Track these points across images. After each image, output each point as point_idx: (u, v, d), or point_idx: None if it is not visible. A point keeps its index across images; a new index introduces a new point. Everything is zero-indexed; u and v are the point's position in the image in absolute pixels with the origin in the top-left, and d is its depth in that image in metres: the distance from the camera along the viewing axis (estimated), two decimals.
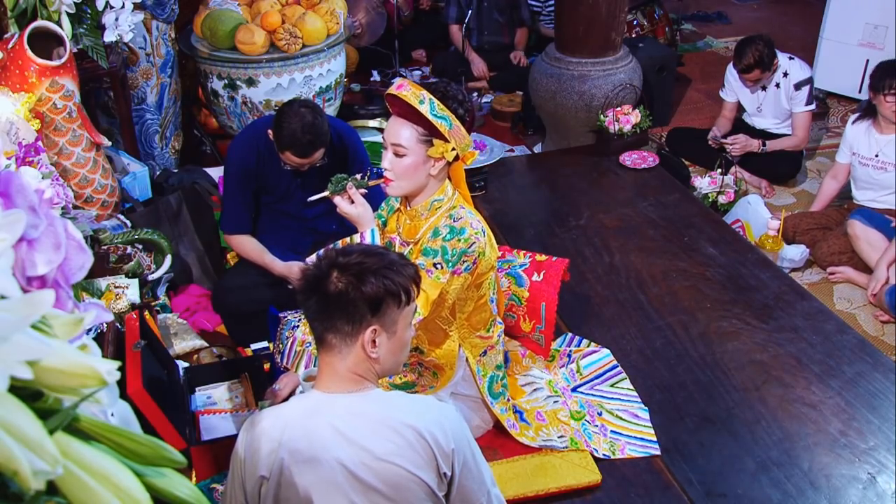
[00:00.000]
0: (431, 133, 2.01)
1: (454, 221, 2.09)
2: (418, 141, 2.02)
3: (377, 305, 1.49)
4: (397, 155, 2.04)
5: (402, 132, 2.02)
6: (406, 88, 2.00)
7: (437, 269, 2.05)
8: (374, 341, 1.50)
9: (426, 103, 1.97)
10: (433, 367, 2.31)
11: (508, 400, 2.38)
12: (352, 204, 2.15)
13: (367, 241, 2.12)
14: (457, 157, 2.07)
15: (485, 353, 2.31)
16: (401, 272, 1.52)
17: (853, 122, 3.68)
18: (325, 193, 2.19)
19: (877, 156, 3.56)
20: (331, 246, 1.62)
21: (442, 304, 2.14)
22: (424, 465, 1.47)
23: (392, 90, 2.02)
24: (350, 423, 1.46)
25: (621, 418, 2.47)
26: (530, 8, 5.42)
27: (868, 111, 3.62)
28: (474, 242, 2.06)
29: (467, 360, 2.29)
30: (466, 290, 2.17)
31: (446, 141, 2.01)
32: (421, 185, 2.09)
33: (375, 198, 2.87)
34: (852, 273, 3.43)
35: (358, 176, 2.21)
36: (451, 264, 2.05)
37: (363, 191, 2.18)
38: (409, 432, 1.46)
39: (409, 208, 2.17)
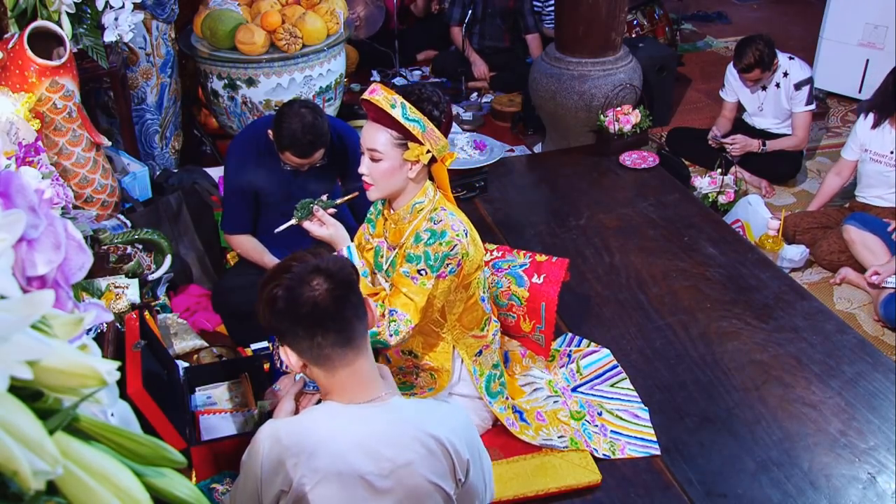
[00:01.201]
0: (406, 137, 2.01)
1: (434, 224, 2.09)
2: (393, 145, 2.02)
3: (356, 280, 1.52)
4: (373, 160, 2.05)
5: (377, 137, 2.03)
6: (378, 93, 2.00)
7: (421, 275, 2.06)
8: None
9: (398, 107, 1.98)
10: (430, 370, 2.31)
11: (507, 399, 2.38)
12: (322, 226, 2.17)
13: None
14: (434, 160, 2.08)
15: (480, 352, 2.31)
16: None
17: (872, 127, 3.61)
18: (293, 222, 2.21)
19: (892, 152, 3.54)
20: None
21: (430, 308, 2.14)
22: (445, 473, 1.47)
23: (365, 95, 2.02)
24: (371, 434, 1.44)
25: (621, 418, 2.47)
26: (533, 8, 5.42)
27: (884, 109, 3.57)
28: (456, 244, 2.06)
29: (462, 360, 2.30)
30: (454, 291, 2.17)
31: (421, 144, 2.01)
32: (399, 188, 2.10)
33: (362, 206, 2.88)
34: (853, 275, 3.42)
35: (324, 197, 2.23)
36: (434, 269, 2.06)
37: (332, 210, 2.20)
38: (430, 441, 1.45)
39: (392, 212, 2.17)
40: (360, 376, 1.48)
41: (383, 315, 2.08)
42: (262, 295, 1.48)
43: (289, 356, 1.49)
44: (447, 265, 2.07)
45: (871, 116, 3.62)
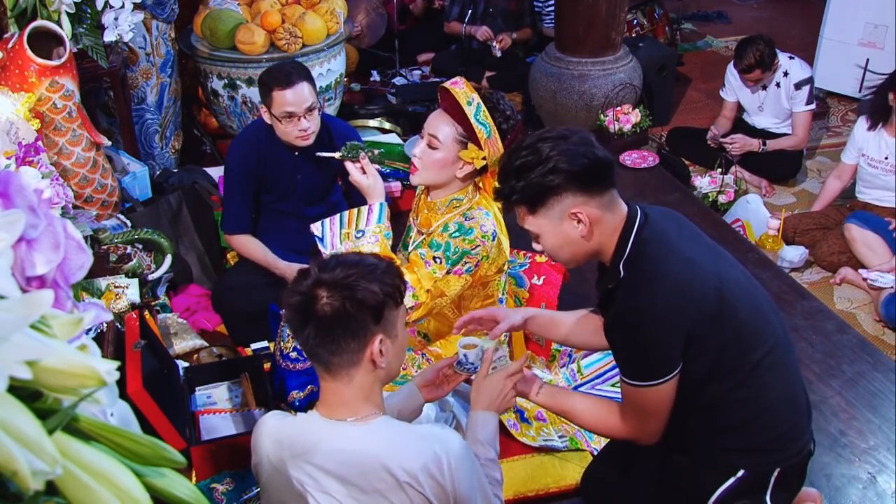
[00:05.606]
0: (469, 136, 2.02)
1: (465, 220, 2.11)
2: (454, 140, 2.04)
3: (378, 312, 1.39)
4: (430, 146, 2.06)
5: (441, 126, 2.05)
6: (460, 86, 2.02)
7: (435, 262, 2.07)
8: (381, 351, 1.41)
9: (473, 105, 1.99)
10: (436, 358, 2.32)
11: None
12: (364, 174, 2.16)
13: (374, 214, 2.12)
14: (485, 169, 2.08)
15: None
16: (387, 272, 1.43)
17: (867, 129, 3.62)
18: (337, 155, 2.20)
19: (886, 158, 3.54)
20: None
21: (441, 298, 2.15)
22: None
23: (447, 84, 2.04)
24: (343, 456, 1.40)
25: None
26: (533, 8, 5.41)
27: (879, 113, 3.58)
28: (478, 245, 2.06)
29: None
30: (471, 287, 2.18)
31: (480, 148, 2.02)
32: (444, 181, 2.12)
33: (358, 197, 2.86)
34: (853, 275, 3.42)
35: (376, 151, 2.22)
36: (450, 261, 2.06)
37: (377, 166, 2.19)
38: (401, 473, 1.37)
39: (429, 199, 2.18)
40: (337, 396, 1.44)
41: None
42: (305, 270, 1.44)
43: None
44: (465, 263, 2.07)
45: (867, 120, 3.63)
